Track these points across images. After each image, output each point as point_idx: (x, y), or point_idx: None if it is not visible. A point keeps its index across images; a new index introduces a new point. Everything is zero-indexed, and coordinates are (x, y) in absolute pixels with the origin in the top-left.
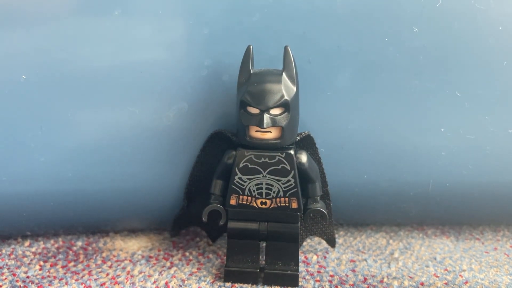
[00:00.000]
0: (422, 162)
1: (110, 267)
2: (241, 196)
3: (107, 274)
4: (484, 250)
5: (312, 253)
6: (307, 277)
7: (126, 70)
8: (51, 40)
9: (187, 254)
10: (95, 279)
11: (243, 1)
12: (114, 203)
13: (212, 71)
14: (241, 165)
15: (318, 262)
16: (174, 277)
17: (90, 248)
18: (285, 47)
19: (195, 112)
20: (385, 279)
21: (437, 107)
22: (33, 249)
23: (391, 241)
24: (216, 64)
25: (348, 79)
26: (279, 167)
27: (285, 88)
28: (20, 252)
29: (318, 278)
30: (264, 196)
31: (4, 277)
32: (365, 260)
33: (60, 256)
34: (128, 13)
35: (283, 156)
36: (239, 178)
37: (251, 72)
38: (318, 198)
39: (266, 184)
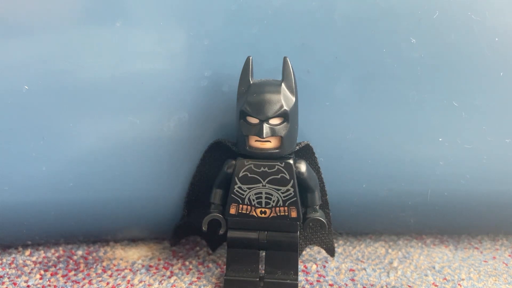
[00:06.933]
0: (420, 172)
1: (111, 276)
2: (240, 205)
3: (108, 283)
4: (483, 259)
5: (312, 262)
6: (306, 286)
7: (127, 80)
8: (53, 51)
9: (187, 263)
10: None
11: (243, 13)
12: (115, 212)
13: (212, 82)
14: (240, 175)
15: (317, 271)
16: (174, 286)
17: (90, 257)
18: (284, 58)
19: (195, 122)
20: None
21: (434, 117)
22: (34, 258)
23: (390, 250)
24: (216, 74)
25: (346, 89)
26: (279, 177)
27: (284, 98)
28: (21, 261)
29: (317, 287)
30: (263, 205)
31: (4, 286)
32: (364, 269)
33: (61, 265)
34: (129, 25)
35: (283, 165)
36: (239, 187)
37: (251, 82)
38: (317, 207)
39: (266, 193)
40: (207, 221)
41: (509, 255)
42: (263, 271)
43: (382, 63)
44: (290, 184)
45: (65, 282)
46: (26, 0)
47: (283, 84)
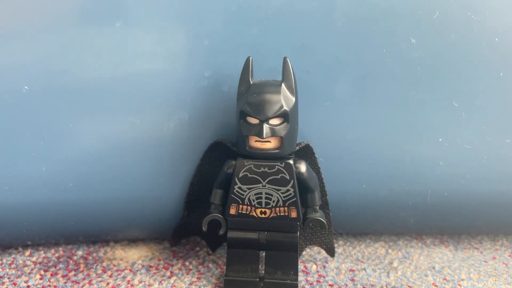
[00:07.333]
0: (420, 172)
1: (111, 276)
2: (240, 206)
3: (108, 284)
4: (483, 259)
5: (312, 263)
6: (306, 286)
7: (127, 81)
8: (53, 51)
9: (187, 263)
10: None
11: (243, 13)
12: (115, 212)
13: (212, 82)
14: (240, 175)
15: (317, 271)
16: (174, 286)
17: (90, 258)
18: (284, 58)
19: (195, 122)
20: None
21: (434, 117)
22: (34, 259)
23: (390, 250)
24: (216, 75)
25: (346, 89)
26: (279, 177)
27: (284, 99)
28: (21, 262)
29: (317, 287)
30: (263, 206)
31: (4, 286)
32: (364, 269)
33: (61, 265)
34: (129, 25)
35: (283, 165)
36: (239, 187)
37: (251, 82)
38: (317, 207)
39: (266, 193)
40: (207, 221)
41: (509, 255)
42: (263, 271)
43: (382, 63)
44: (290, 185)
45: (65, 283)
46: (26, 0)
47: (283, 84)
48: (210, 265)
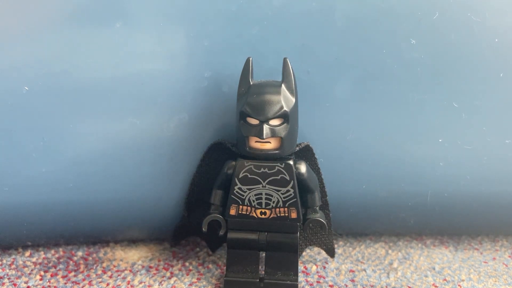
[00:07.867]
0: (420, 173)
1: (111, 277)
2: (240, 206)
3: (108, 284)
4: (483, 260)
5: (312, 263)
6: (306, 287)
7: (127, 81)
8: (53, 52)
9: (187, 264)
10: None
11: (243, 14)
12: (115, 213)
13: (212, 82)
14: (240, 175)
15: (317, 272)
16: (174, 287)
17: (90, 258)
18: (284, 59)
19: (195, 123)
20: None
21: (434, 118)
22: (34, 259)
23: (390, 251)
24: (216, 75)
25: (346, 90)
26: (279, 177)
27: (284, 99)
28: (21, 262)
29: None
30: (263, 206)
31: (5, 287)
32: (364, 270)
33: (61, 266)
34: (129, 25)
35: (283, 166)
36: (239, 188)
37: (251, 83)
38: (317, 208)
39: (266, 194)
40: (207, 222)
41: (509, 256)
42: (263, 272)
43: (382, 63)
44: (290, 185)
45: (65, 283)
46: (26, 0)
47: (283, 85)
48: (210, 265)
